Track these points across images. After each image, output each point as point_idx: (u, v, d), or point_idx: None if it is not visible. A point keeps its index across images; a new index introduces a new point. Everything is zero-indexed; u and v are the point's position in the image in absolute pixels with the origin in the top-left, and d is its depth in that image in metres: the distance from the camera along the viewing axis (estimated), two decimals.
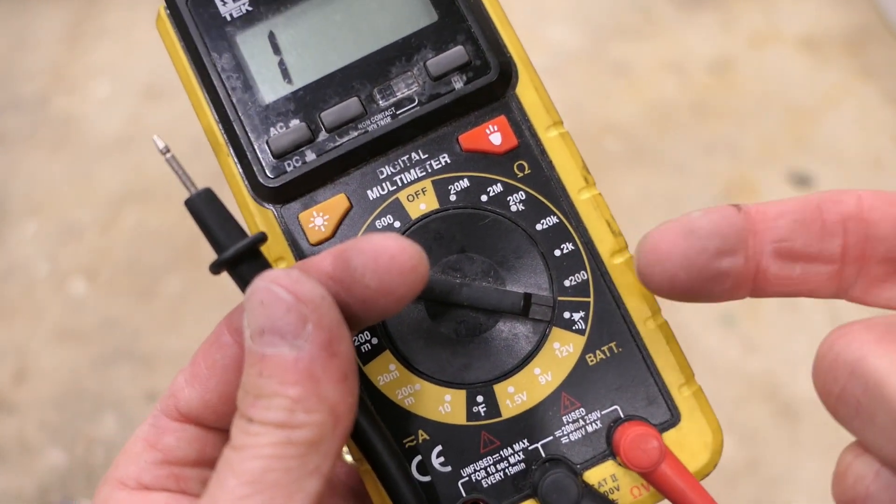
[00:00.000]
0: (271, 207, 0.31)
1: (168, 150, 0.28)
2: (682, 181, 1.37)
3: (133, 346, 1.28)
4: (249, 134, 0.31)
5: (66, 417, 1.22)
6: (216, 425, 0.27)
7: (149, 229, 1.38)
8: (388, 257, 0.24)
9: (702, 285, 0.25)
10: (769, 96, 1.46)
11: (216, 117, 0.31)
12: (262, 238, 0.27)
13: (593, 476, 0.29)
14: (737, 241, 0.25)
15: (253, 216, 0.31)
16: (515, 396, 0.30)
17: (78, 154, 1.49)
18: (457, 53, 0.31)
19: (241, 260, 0.26)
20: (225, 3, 0.32)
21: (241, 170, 0.31)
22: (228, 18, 0.32)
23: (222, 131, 0.31)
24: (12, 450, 1.20)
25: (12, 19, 1.70)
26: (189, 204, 0.27)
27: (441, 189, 0.31)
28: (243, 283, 0.26)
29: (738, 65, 1.50)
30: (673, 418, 0.30)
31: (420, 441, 0.30)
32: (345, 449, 0.32)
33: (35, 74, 1.61)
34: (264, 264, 0.27)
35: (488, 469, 0.29)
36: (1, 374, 1.27)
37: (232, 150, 0.31)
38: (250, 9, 0.32)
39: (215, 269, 0.26)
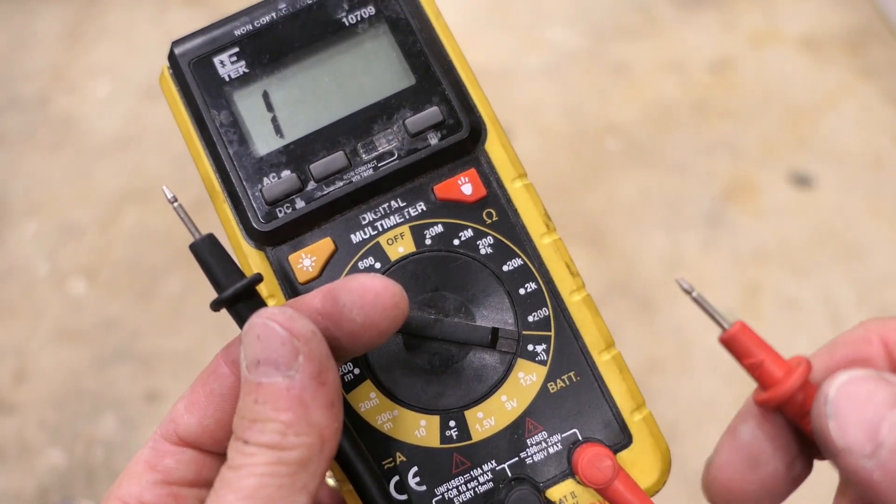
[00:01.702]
0: (263, 249, 0.34)
1: (175, 200, 0.31)
2: (682, 181, 1.37)
3: (133, 346, 1.28)
4: (244, 183, 0.34)
5: (66, 417, 1.22)
6: (213, 449, 0.30)
7: (149, 229, 1.38)
8: (373, 295, 0.28)
9: (786, 494, 0.27)
10: (769, 96, 1.45)
11: (214, 167, 0.35)
12: (258, 279, 0.29)
13: (555, 493, 0.32)
14: (794, 437, 0.26)
15: (246, 257, 0.34)
16: (484, 421, 0.33)
17: (78, 154, 1.49)
18: (432, 113, 0.34)
19: (239, 298, 0.29)
20: (224, 65, 0.35)
21: (236, 215, 0.34)
22: (227, 79, 0.35)
23: (219, 180, 0.35)
24: (12, 450, 1.20)
25: (12, 19, 1.70)
26: (193, 248, 0.29)
27: (417, 234, 0.34)
28: (241, 319, 0.29)
29: (738, 65, 1.50)
30: (626, 440, 0.33)
31: (398, 462, 0.32)
32: (328, 473, 0.34)
33: (35, 74, 1.61)
34: (260, 302, 0.29)
35: (460, 488, 0.32)
36: (1, 374, 1.27)
37: (228, 197, 0.34)
38: (247, 70, 0.35)
39: (216, 306, 0.29)
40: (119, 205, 1.42)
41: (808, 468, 0.27)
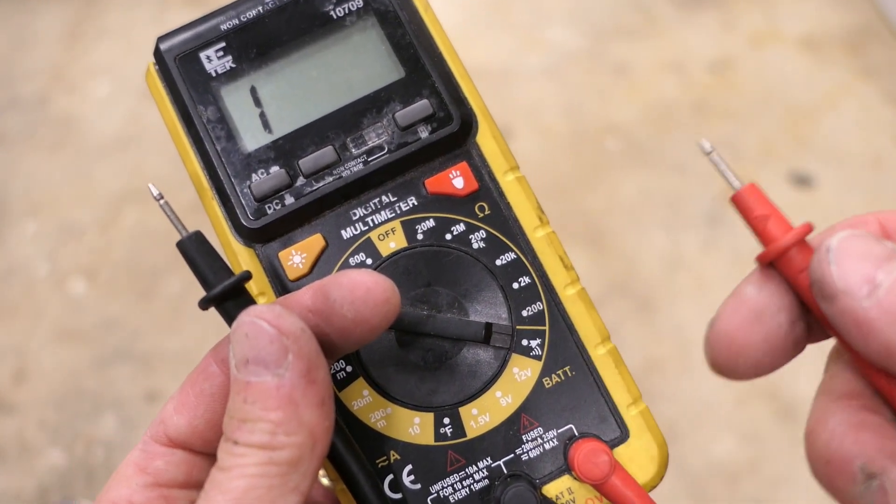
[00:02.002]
0: (253, 246, 0.33)
1: (162, 197, 0.31)
2: (682, 181, 1.37)
3: (132, 346, 1.28)
4: (233, 179, 0.34)
5: (66, 417, 1.22)
6: (203, 450, 0.29)
7: (149, 229, 1.38)
8: (363, 290, 0.27)
9: (786, 358, 0.27)
10: (769, 96, 1.45)
11: (202, 164, 0.34)
12: (246, 277, 0.29)
13: (551, 489, 0.32)
14: (796, 300, 0.26)
15: (236, 254, 0.33)
16: (479, 418, 0.32)
17: (78, 154, 1.49)
18: (422, 106, 0.34)
19: (228, 297, 0.28)
20: (210, 60, 0.35)
21: (224, 212, 0.34)
22: (213, 74, 0.35)
23: (207, 177, 0.34)
24: (12, 450, 1.20)
25: (12, 19, 1.70)
26: (180, 246, 0.29)
27: (409, 229, 0.34)
28: (229, 317, 0.28)
29: (738, 65, 1.50)
30: (622, 435, 0.32)
31: (392, 461, 0.32)
32: (321, 472, 0.34)
33: (35, 74, 1.61)
34: (249, 300, 0.29)
35: (455, 486, 0.32)
36: (1, 374, 1.27)
37: (216, 194, 0.34)
38: (234, 65, 0.35)
39: (204, 305, 0.29)
40: (119, 205, 1.42)
41: (806, 336, 0.27)
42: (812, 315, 0.26)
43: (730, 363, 0.26)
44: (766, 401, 1.15)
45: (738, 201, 0.28)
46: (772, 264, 0.27)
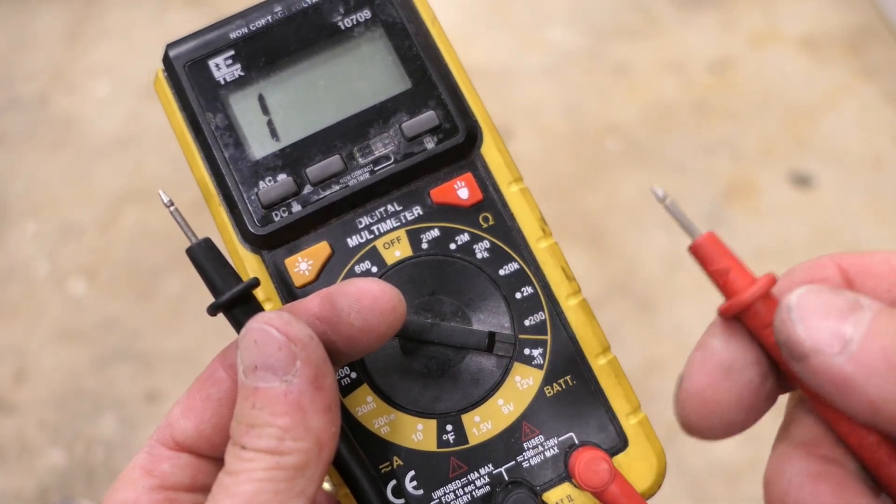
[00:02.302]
0: (260, 253, 0.34)
1: (172, 204, 0.31)
2: (682, 181, 1.37)
3: (133, 345, 1.28)
4: (240, 186, 0.34)
5: (66, 417, 1.22)
6: (209, 454, 0.30)
7: (148, 229, 1.38)
8: (370, 299, 0.28)
9: (760, 414, 0.26)
10: (769, 96, 1.45)
11: (209, 171, 0.35)
12: (255, 284, 0.29)
13: (552, 497, 0.32)
14: (763, 353, 0.25)
15: (242, 260, 0.34)
16: (481, 425, 0.33)
17: (77, 154, 1.49)
18: (429, 117, 0.34)
19: (236, 303, 0.29)
20: (219, 68, 0.35)
21: (231, 218, 0.34)
22: (222, 82, 0.35)
23: (215, 183, 0.34)
24: (12, 450, 1.20)
25: (12, 19, 1.70)
26: (190, 252, 0.29)
27: (414, 238, 0.34)
28: (238, 323, 0.28)
29: (738, 65, 1.50)
30: (622, 443, 0.33)
31: (395, 466, 0.32)
32: (325, 477, 0.34)
33: (35, 74, 1.61)
34: (257, 307, 0.29)
35: (456, 492, 0.32)
36: (1, 374, 1.27)
37: (223, 201, 0.34)
38: (242, 73, 0.35)
39: (212, 311, 0.29)
40: (119, 205, 1.42)
41: (778, 389, 0.26)
42: (780, 368, 0.25)
43: (702, 422, 0.26)
44: None
45: (696, 252, 0.27)
46: (736, 317, 0.26)
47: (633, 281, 1.27)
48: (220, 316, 0.29)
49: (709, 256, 0.27)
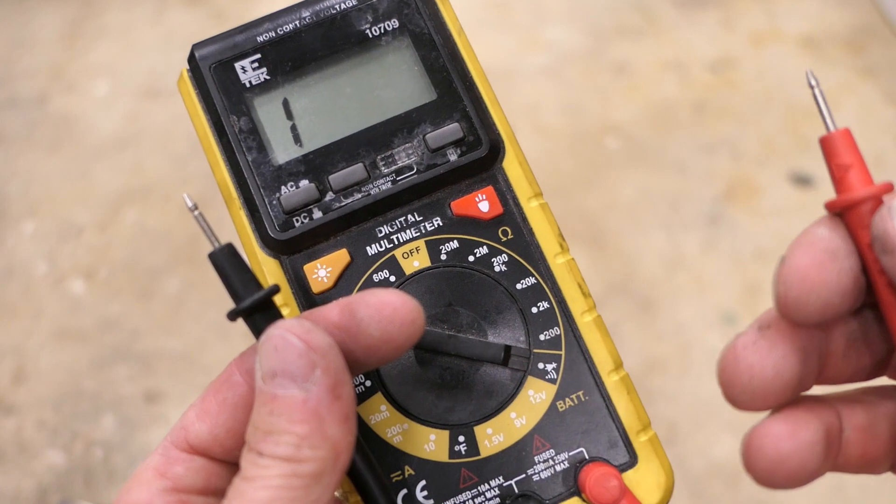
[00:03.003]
0: (279, 258, 0.34)
1: (196, 208, 0.31)
2: (683, 181, 1.37)
3: (132, 346, 1.27)
4: (262, 191, 0.34)
5: (65, 417, 1.21)
6: (223, 458, 0.30)
7: (147, 229, 1.38)
8: (391, 310, 0.28)
9: (851, 306, 0.27)
10: (770, 96, 1.45)
11: (231, 173, 0.35)
12: (275, 290, 0.29)
13: None
14: (854, 251, 0.27)
15: (261, 265, 0.34)
16: (493, 437, 0.33)
17: (76, 153, 1.49)
18: (453, 129, 0.34)
19: (257, 309, 0.29)
20: (245, 71, 0.35)
21: (251, 222, 0.34)
22: (247, 85, 0.35)
23: (236, 186, 0.34)
24: (11, 450, 1.20)
25: (11, 18, 1.69)
26: (212, 257, 0.29)
27: (433, 249, 0.34)
28: (258, 330, 0.28)
29: (738, 64, 1.50)
30: (631, 460, 0.33)
31: (406, 476, 0.33)
32: None
33: (34, 74, 1.60)
34: (277, 314, 0.29)
35: (467, 503, 0.33)
36: None
37: (244, 204, 0.34)
38: (268, 77, 0.35)
39: (233, 316, 0.29)
40: (118, 204, 1.42)
41: (865, 293, 0.27)
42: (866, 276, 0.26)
43: (801, 300, 0.26)
44: None
45: (826, 144, 0.28)
46: (839, 215, 0.27)
47: (633, 281, 1.27)
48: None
49: (837, 150, 0.27)
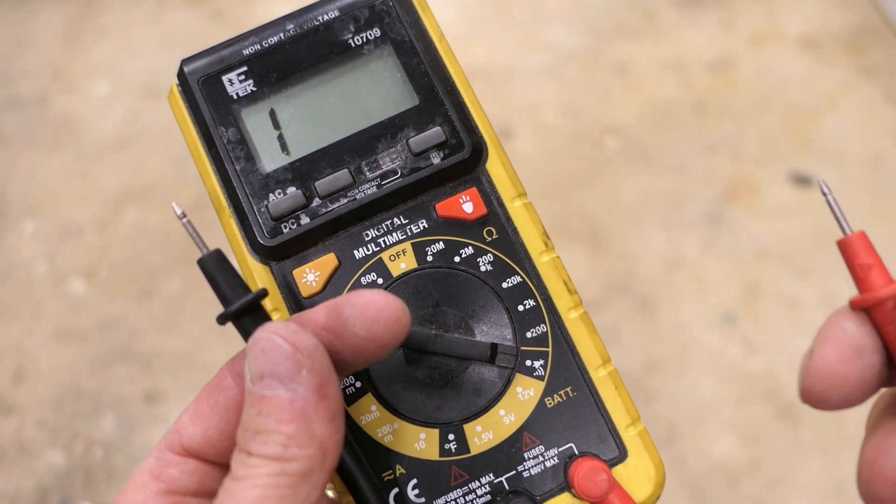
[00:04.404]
0: (268, 264, 0.35)
1: (185, 216, 0.31)
2: (683, 181, 1.37)
3: (132, 345, 1.27)
4: (251, 199, 0.35)
5: (65, 417, 1.21)
6: (216, 460, 0.30)
7: (147, 229, 1.38)
8: (375, 309, 0.28)
9: (870, 395, 0.28)
10: (770, 96, 1.45)
11: (221, 183, 0.35)
12: (263, 294, 0.30)
13: None
14: (885, 348, 0.28)
15: (251, 271, 0.35)
16: (483, 435, 0.33)
17: (76, 154, 1.49)
18: (435, 133, 0.35)
19: (245, 313, 0.29)
20: (232, 84, 0.36)
21: (241, 230, 0.35)
22: (235, 97, 0.36)
23: (226, 195, 0.35)
24: (11, 450, 1.20)
25: (11, 19, 1.69)
26: (201, 263, 0.30)
27: (419, 250, 0.35)
28: (246, 333, 0.29)
29: (738, 64, 1.50)
30: (621, 455, 0.34)
31: (397, 475, 0.33)
32: (328, 484, 0.34)
33: (33, 74, 1.60)
34: (265, 317, 0.30)
35: (458, 500, 0.33)
36: None
37: (234, 212, 0.35)
38: (255, 89, 0.36)
39: (221, 320, 0.29)
40: (118, 204, 1.42)
41: (889, 379, 0.29)
42: (892, 362, 0.28)
43: (825, 393, 0.28)
44: (767, 401, 1.15)
45: (844, 246, 0.30)
46: (865, 310, 0.29)
47: (633, 281, 1.27)
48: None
49: (857, 251, 0.29)
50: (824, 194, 0.31)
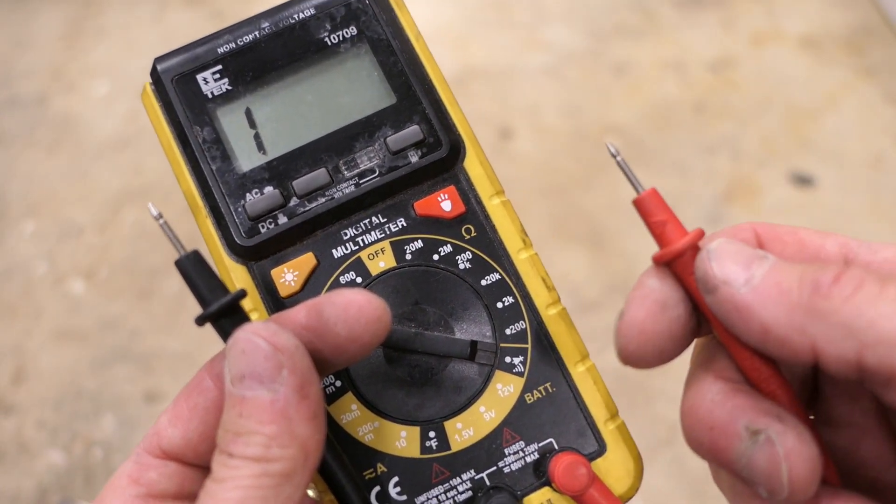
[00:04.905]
0: (246, 264, 0.34)
1: (161, 217, 0.31)
2: (683, 181, 1.37)
3: (131, 346, 1.27)
4: (227, 199, 0.34)
5: (65, 418, 1.21)
6: (196, 462, 0.30)
7: (147, 229, 1.38)
8: (356, 309, 0.28)
9: (683, 347, 0.29)
10: (770, 96, 1.45)
11: (196, 183, 0.35)
12: (241, 295, 0.29)
13: (533, 501, 0.33)
14: (690, 300, 0.29)
15: (229, 271, 0.34)
16: (463, 432, 0.33)
17: (76, 153, 1.49)
18: (413, 132, 0.35)
19: (224, 314, 0.29)
20: (207, 83, 0.36)
21: (218, 230, 0.35)
22: (210, 96, 0.36)
23: (202, 195, 0.35)
24: (11, 450, 1.20)
25: (11, 18, 1.69)
26: (178, 264, 0.30)
27: (398, 249, 0.35)
28: (225, 334, 0.29)
29: (738, 64, 1.50)
30: (600, 448, 0.34)
31: (379, 473, 0.33)
32: (310, 484, 0.34)
33: (33, 74, 1.60)
34: (244, 318, 0.29)
35: (439, 497, 0.33)
36: None
37: (210, 213, 0.35)
38: (230, 88, 0.36)
39: (200, 321, 0.29)
40: (118, 204, 1.42)
41: (697, 329, 0.29)
42: (698, 311, 0.29)
43: (639, 350, 0.28)
44: None
45: (639, 204, 0.30)
46: (667, 264, 0.29)
47: (633, 281, 1.27)
48: None
49: (650, 209, 0.30)
50: (613, 156, 0.31)
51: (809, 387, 0.31)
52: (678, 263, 0.28)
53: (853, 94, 1.43)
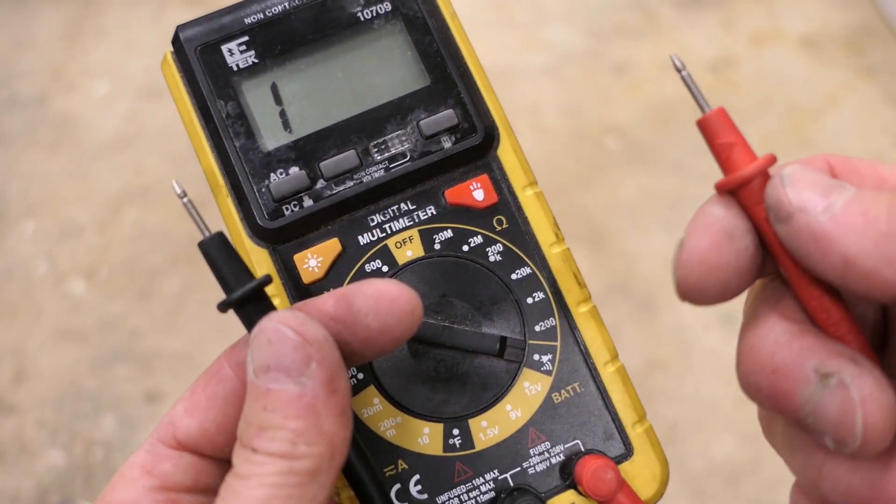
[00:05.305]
0: (267, 247, 0.33)
1: (185, 195, 0.29)
2: (682, 181, 1.37)
3: (132, 345, 1.27)
4: (250, 178, 0.33)
5: (65, 418, 1.21)
6: (212, 454, 0.29)
7: (147, 229, 1.38)
8: (389, 300, 0.27)
9: (749, 282, 0.26)
10: (770, 96, 1.45)
11: (218, 160, 0.33)
12: (267, 281, 0.28)
13: None
14: (751, 226, 0.26)
15: (249, 254, 0.33)
16: (488, 430, 0.32)
17: (76, 153, 1.49)
18: (447, 116, 0.34)
19: (248, 301, 0.28)
20: (232, 54, 0.34)
21: (239, 210, 0.33)
22: (234, 69, 0.34)
23: (223, 173, 0.33)
24: (11, 450, 1.19)
25: (11, 18, 1.69)
26: (202, 246, 0.28)
27: (427, 238, 0.33)
28: (249, 322, 0.27)
29: (738, 64, 1.50)
30: (627, 452, 0.33)
31: (400, 470, 0.32)
32: None
33: (33, 74, 1.60)
34: (269, 305, 0.28)
35: (461, 497, 0.32)
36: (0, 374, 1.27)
37: (231, 192, 0.33)
38: (256, 61, 0.34)
39: (223, 308, 0.28)
40: (118, 204, 1.42)
41: (764, 265, 0.26)
42: (764, 247, 0.26)
43: (700, 283, 0.26)
44: None
45: (704, 125, 0.27)
46: (731, 193, 0.26)
47: (633, 281, 1.27)
48: (220, 315, 0.28)
49: (716, 130, 0.27)
50: (679, 70, 0.28)
51: (879, 335, 0.27)
52: (745, 191, 0.26)
53: (853, 95, 1.44)
